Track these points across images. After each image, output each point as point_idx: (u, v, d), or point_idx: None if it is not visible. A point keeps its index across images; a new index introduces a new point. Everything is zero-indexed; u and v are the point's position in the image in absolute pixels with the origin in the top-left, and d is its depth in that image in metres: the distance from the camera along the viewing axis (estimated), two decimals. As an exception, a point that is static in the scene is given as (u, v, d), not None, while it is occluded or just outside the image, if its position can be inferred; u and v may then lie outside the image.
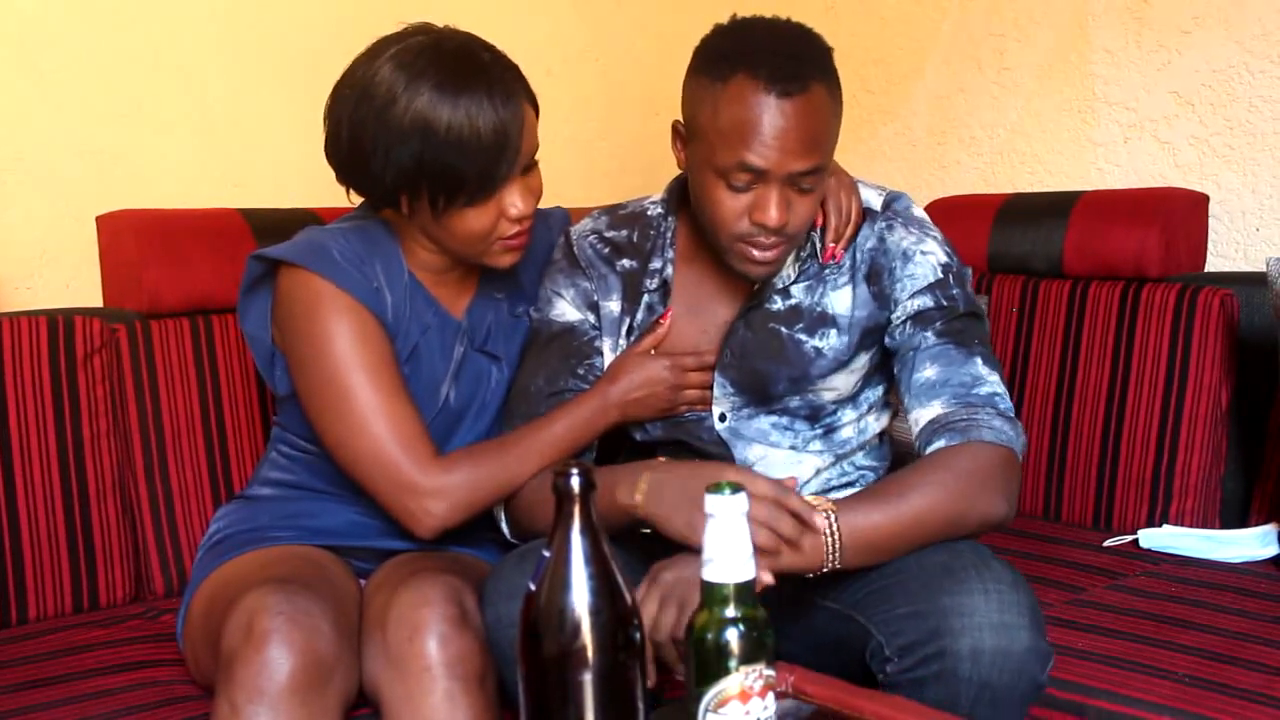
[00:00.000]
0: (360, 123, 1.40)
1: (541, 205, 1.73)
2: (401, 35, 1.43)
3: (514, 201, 1.43)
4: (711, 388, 1.50)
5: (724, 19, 1.42)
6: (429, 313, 1.53)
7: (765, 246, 1.38)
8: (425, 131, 1.36)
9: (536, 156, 1.47)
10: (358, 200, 1.52)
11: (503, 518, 1.49)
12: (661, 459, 1.44)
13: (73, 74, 1.90)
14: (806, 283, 1.48)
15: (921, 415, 1.39)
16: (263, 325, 1.52)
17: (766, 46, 1.35)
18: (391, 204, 1.45)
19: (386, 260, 1.50)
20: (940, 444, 1.36)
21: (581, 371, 1.51)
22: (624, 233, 1.53)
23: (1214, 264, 2.15)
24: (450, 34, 1.44)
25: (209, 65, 2.02)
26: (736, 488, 0.96)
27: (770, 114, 1.31)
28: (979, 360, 1.41)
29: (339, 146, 1.44)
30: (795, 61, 1.33)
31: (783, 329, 1.48)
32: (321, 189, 2.02)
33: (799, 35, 1.39)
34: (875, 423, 1.56)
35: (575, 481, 0.97)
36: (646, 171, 2.42)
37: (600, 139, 2.51)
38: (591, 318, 1.53)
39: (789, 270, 1.47)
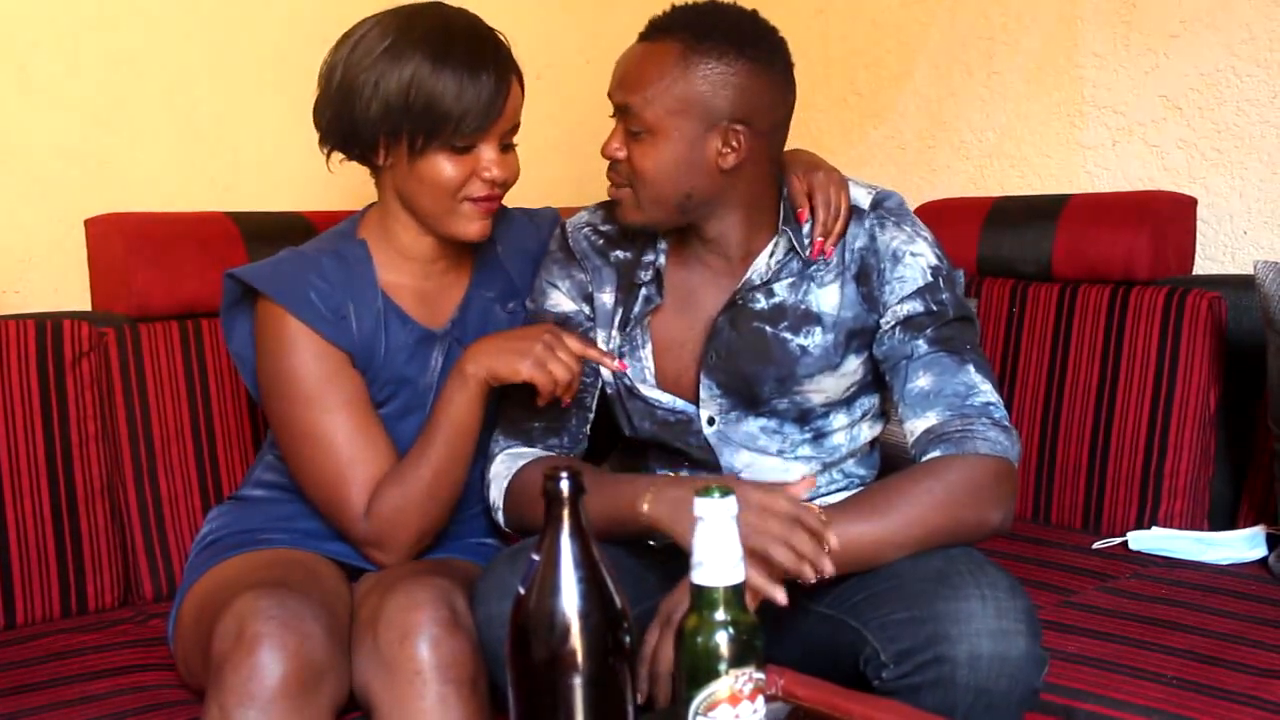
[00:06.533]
0: (355, 63, 1.44)
1: (531, 206, 1.74)
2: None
3: (490, 164, 1.46)
4: (698, 387, 1.49)
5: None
6: (403, 333, 1.54)
7: (612, 180, 1.47)
8: (421, 57, 1.41)
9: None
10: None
11: (500, 508, 1.48)
12: (681, 475, 1.44)
13: (59, 76, 1.89)
14: (789, 280, 1.47)
15: (916, 426, 1.39)
16: (248, 344, 1.53)
17: (682, 8, 1.42)
18: (371, 149, 1.47)
19: (359, 287, 1.51)
20: (936, 454, 1.35)
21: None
22: (617, 226, 1.54)
23: (1202, 267, 2.16)
24: (461, 12, 1.49)
25: (197, 67, 2.02)
26: (726, 491, 0.96)
27: (625, 52, 1.44)
28: (972, 368, 1.41)
29: (328, 90, 1.47)
30: (680, 21, 1.40)
31: (767, 328, 1.47)
32: (311, 192, 2.04)
33: (724, 9, 1.42)
34: (869, 431, 1.56)
35: (564, 485, 0.97)
36: (636, 174, 2.41)
37: (590, 141, 2.48)
38: (586, 309, 1.54)
39: (767, 266, 1.47)
